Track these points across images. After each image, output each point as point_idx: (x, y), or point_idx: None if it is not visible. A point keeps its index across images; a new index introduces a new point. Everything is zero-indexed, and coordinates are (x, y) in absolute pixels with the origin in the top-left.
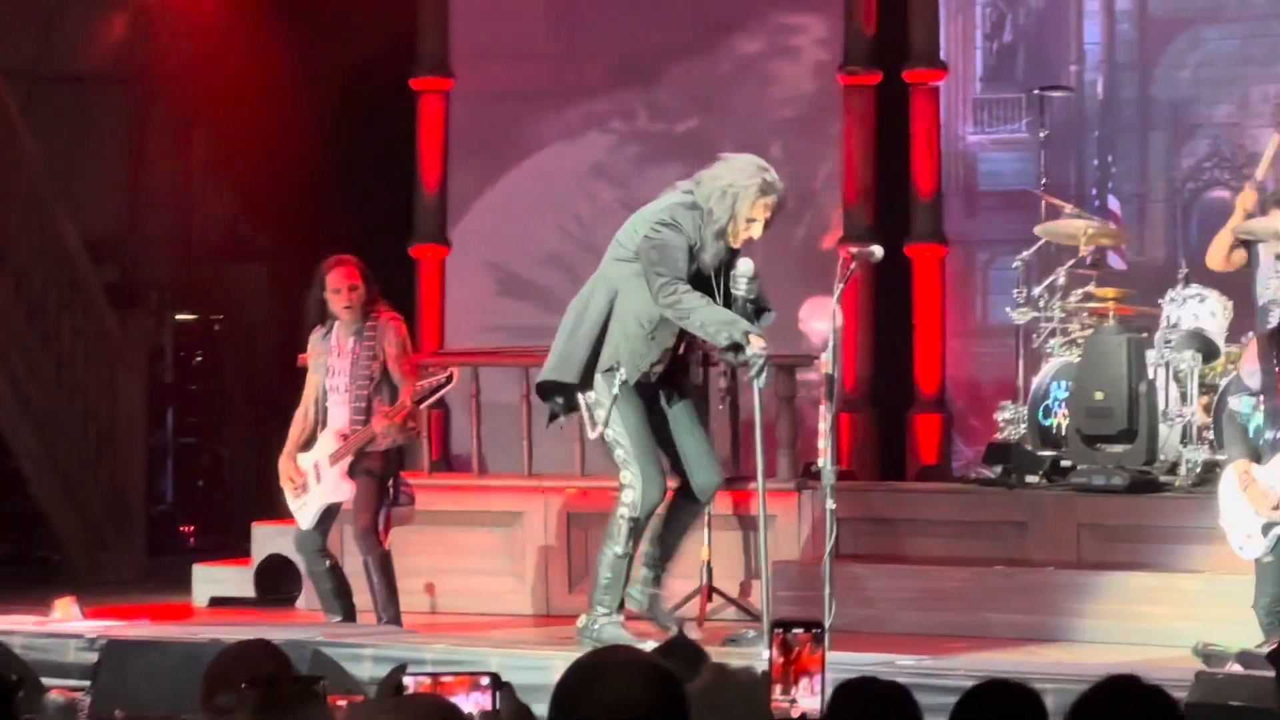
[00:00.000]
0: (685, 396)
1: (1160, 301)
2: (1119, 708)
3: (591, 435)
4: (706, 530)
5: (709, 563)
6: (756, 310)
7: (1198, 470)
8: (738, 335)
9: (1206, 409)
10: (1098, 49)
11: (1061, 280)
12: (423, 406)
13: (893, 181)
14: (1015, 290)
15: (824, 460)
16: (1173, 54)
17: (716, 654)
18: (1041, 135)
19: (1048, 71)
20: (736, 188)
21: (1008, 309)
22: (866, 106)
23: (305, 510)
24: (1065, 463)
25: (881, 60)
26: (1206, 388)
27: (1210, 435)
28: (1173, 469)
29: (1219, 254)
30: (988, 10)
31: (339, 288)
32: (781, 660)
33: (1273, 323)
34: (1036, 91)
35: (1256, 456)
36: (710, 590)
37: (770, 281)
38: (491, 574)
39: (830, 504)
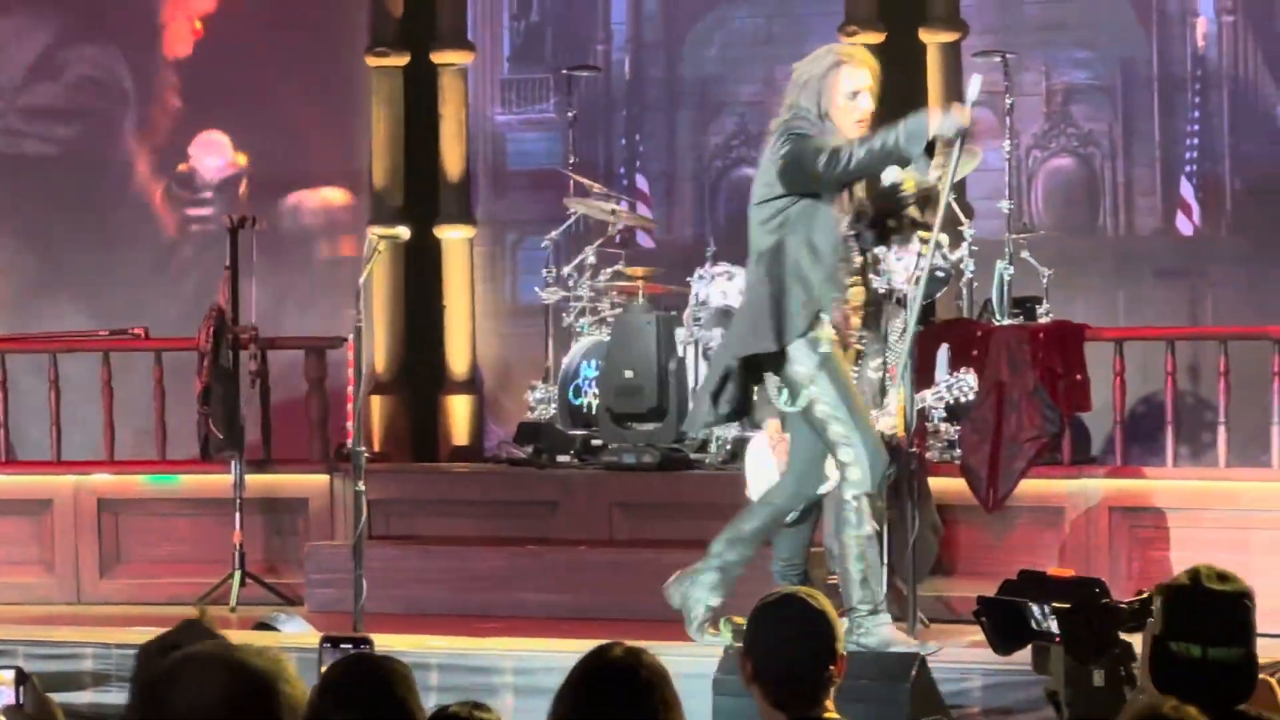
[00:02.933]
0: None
1: (689, 279)
2: (598, 674)
3: (791, 408)
4: (238, 515)
5: (241, 547)
6: (915, 223)
7: (728, 447)
8: (913, 127)
9: None
10: (624, 28)
11: (590, 259)
12: None
13: (421, 163)
14: (544, 270)
15: (353, 442)
16: (699, 33)
17: (248, 638)
18: (570, 115)
19: (575, 51)
20: (813, 71)
21: (537, 289)
22: (394, 88)
23: None
24: (596, 441)
25: (409, 41)
26: None
27: None
28: (703, 446)
29: None
30: None
31: None
32: None
33: None
34: (564, 71)
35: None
36: (243, 575)
37: (305, 261)
38: (20, 562)
39: (360, 486)
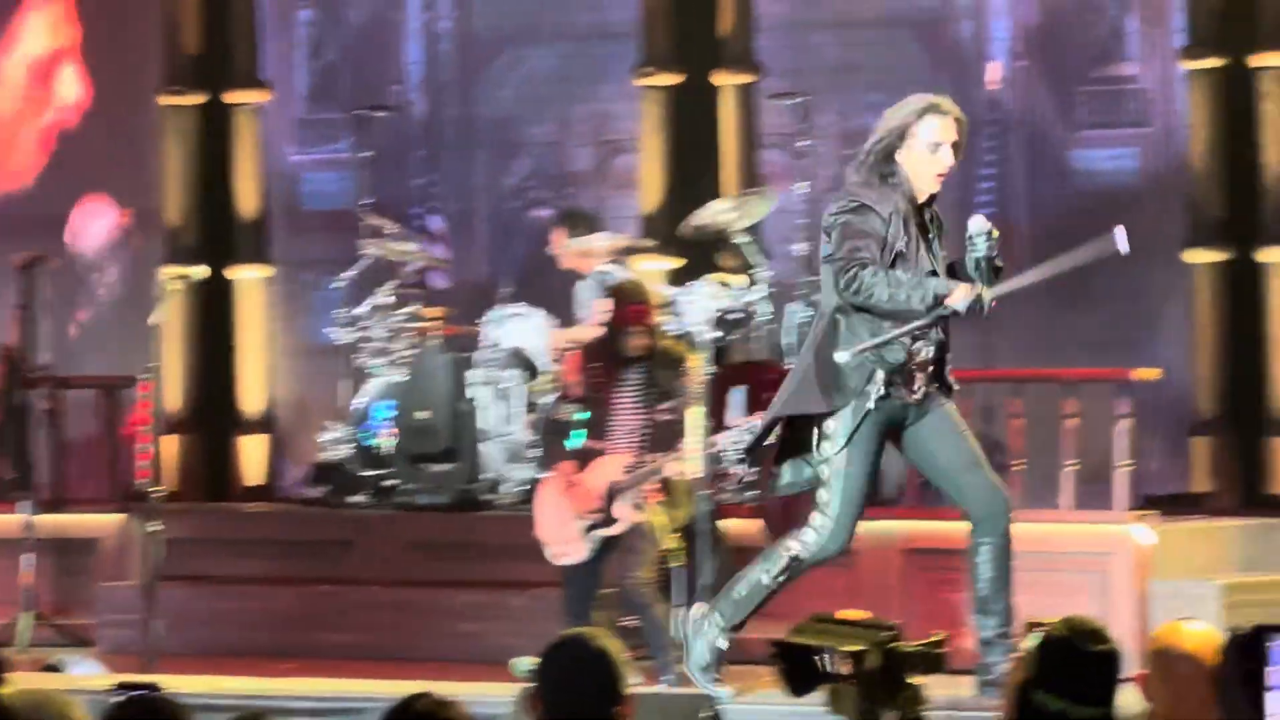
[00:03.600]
0: (939, 406)
1: (481, 321)
2: None
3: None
4: (28, 555)
5: (31, 587)
6: (995, 270)
7: (521, 488)
8: (933, 294)
9: (531, 426)
10: (420, 68)
11: (385, 300)
12: None
13: (216, 202)
14: (339, 310)
15: (146, 482)
16: (494, 73)
17: (40, 680)
18: (364, 155)
19: (371, 91)
20: (898, 114)
21: (331, 329)
22: (188, 127)
23: None
24: (390, 482)
25: (203, 80)
26: (530, 405)
27: (534, 453)
28: (495, 487)
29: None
30: (310, 30)
31: None
32: None
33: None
34: (359, 111)
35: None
36: (33, 616)
37: (97, 300)
38: None
39: (153, 525)
